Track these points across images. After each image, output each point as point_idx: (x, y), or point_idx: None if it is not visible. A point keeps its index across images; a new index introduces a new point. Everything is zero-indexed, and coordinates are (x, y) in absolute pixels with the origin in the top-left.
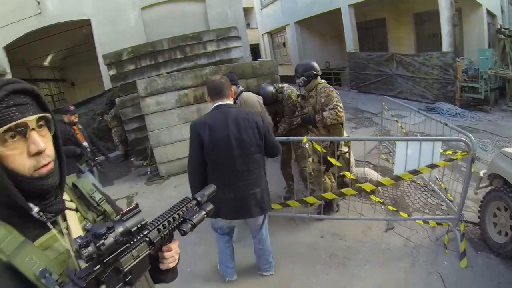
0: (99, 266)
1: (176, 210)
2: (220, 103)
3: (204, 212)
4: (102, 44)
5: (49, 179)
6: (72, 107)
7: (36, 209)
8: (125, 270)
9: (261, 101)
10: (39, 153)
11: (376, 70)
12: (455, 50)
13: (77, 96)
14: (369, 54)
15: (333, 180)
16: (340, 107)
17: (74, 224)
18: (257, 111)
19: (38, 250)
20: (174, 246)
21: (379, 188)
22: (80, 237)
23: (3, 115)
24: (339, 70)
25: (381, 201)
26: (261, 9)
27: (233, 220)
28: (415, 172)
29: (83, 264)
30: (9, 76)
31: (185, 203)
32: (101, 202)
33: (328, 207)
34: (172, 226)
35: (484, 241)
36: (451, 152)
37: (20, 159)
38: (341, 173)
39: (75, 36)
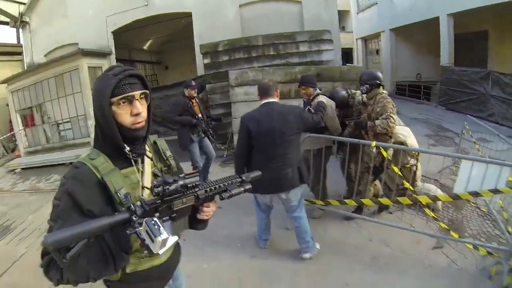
0: (160, 201)
1: (224, 181)
2: (266, 101)
3: (242, 189)
4: (200, 35)
5: (140, 131)
6: (193, 83)
7: (127, 148)
8: (174, 209)
9: (334, 106)
10: (137, 114)
11: (469, 87)
12: None
13: (169, 78)
14: (464, 70)
15: (379, 188)
16: (393, 118)
17: (147, 167)
18: (327, 113)
19: (121, 176)
20: (212, 205)
21: (440, 207)
22: (156, 180)
23: (121, 89)
24: (429, 84)
25: (436, 216)
26: (357, 13)
27: (267, 195)
28: (476, 194)
29: (146, 196)
30: (113, 55)
31: (232, 178)
32: (169, 157)
33: (359, 210)
34: (216, 191)
35: None
36: None
37: (125, 116)
38: (402, 185)
39: (175, 25)
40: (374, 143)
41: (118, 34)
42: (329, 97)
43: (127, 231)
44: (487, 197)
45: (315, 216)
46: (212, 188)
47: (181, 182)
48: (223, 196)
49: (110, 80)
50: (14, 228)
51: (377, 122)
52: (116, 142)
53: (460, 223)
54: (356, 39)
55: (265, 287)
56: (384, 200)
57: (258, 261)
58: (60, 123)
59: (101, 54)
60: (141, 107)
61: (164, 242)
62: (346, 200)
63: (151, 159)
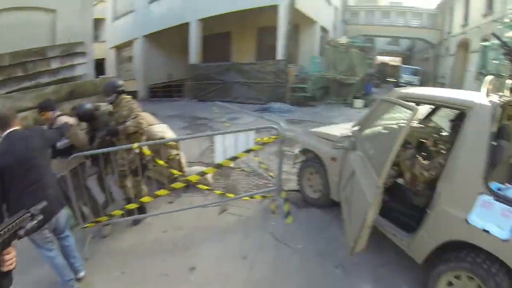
0: None
1: (12, 221)
2: (8, 131)
3: (35, 221)
4: None
5: None
6: None
7: None
8: None
9: (75, 122)
10: None
11: (216, 79)
12: (287, 58)
13: None
14: (210, 65)
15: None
16: (140, 116)
17: None
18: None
19: None
20: (12, 250)
21: (211, 180)
22: None
23: None
24: (181, 82)
25: (209, 188)
26: (113, 21)
27: (45, 226)
28: (234, 158)
29: None
30: None
31: (20, 215)
32: None
33: (142, 210)
34: (11, 232)
35: (305, 200)
36: (268, 138)
37: None
38: (173, 175)
39: None
40: (136, 145)
41: None
42: (77, 115)
43: None
44: (244, 157)
45: (106, 235)
46: (5, 229)
47: None
48: (19, 234)
49: None
50: None
51: (127, 123)
52: None
53: (232, 186)
54: (110, 48)
55: None
56: (161, 192)
57: None
58: None
59: None
60: None
61: None
62: (126, 206)
63: None
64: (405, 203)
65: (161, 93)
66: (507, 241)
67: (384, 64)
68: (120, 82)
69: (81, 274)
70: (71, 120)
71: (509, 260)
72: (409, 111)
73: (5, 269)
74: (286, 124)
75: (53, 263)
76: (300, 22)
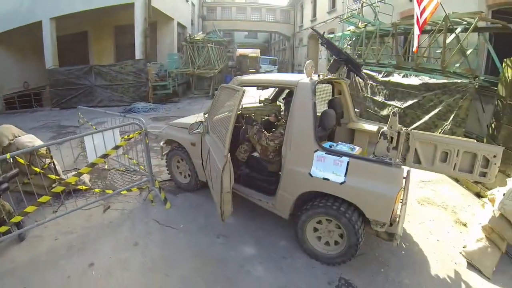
0: None
1: None
2: None
3: None
4: None
5: None
6: None
7: None
8: None
9: None
10: None
11: (77, 84)
12: (146, 57)
13: None
14: (68, 69)
15: (8, 206)
16: None
17: None
18: None
19: None
20: None
21: (88, 182)
22: None
23: None
24: (40, 90)
25: (87, 187)
26: None
27: None
28: (105, 156)
29: None
30: None
31: None
32: None
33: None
34: None
35: (178, 187)
36: (132, 135)
37: None
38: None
39: None
40: (8, 155)
41: None
42: None
43: None
44: (114, 155)
45: None
46: None
47: None
48: None
49: None
50: None
51: None
52: None
53: (110, 184)
54: None
55: None
56: (43, 198)
57: None
58: None
59: None
60: None
61: None
62: (11, 220)
63: None
64: (263, 171)
65: (18, 103)
66: (344, 184)
67: (244, 56)
68: None
69: None
70: None
71: (350, 198)
72: (237, 92)
73: None
74: (152, 122)
75: None
76: (157, 20)
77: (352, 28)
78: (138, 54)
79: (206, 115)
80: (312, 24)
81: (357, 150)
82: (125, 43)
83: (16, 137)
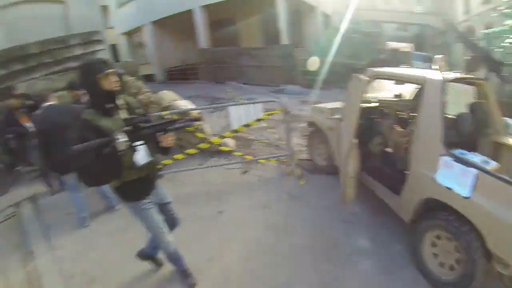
0: (131, 127)
1: (168, 121)
2: (46, 104)
3: (184, 123)
4: None
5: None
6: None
7: (110, 104)
8: (142, 134)
9: None
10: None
11: (229, 63)
12: (293, 42)
13: None
14: (221, 49)
15: None
16: (149, 91)
17: (122, 114)
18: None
19: (110, 120)
20: (170, 137)
21: (233, 146)
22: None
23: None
24: (193, 66)
25: (230, 149)
26: (118, 8)
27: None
28: (247, 125)
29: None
30: None
31: (177, 120)
32: (136, 109)
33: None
34: (164, 126)
35: (315, 168)
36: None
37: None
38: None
39: None
40: (166, 112)
41: None
42: None
43: (113, 146)
44: (254, 125)
45: None
46: (164, 123)
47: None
48: (169, 127)
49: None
50: None
51: (140, 96)
52: (102, 103)
53: (252, 152)
54: (120, 35)
55: None
56: (191, 150)
57: None
58: None
59: None
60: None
61: (141, 157)
62: (175, 157)
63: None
64: (392, 168)
65: (178, 76)
66: (468, 199)
67: (394, 50)
68: (120, 70)
69: (117, 207)
70: None
71: (473, 218)
72: (361, 81)
73: (163, 145)
74: (300, 104)
75: (76, 202)
76: (301, 8)
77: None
78: (285, 40)
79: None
80: (466, 17)
81: (492, 165)
82: (272, 29)
83: (174, 101)
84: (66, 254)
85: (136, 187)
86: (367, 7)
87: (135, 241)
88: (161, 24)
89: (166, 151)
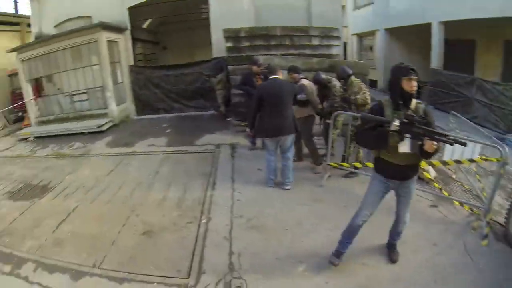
0: (407, 121)
1: (442, 133)
2: (273, 76)
3: (449, 141)
4: (215, 18)
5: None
6: (260, 61)
7: (401, 101)
8: (413, 131)
9: (314, 88)
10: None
11: (456, 90)
12: None
13: (168, 58)
14: (452, 74)
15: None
16: (368, 93)
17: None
18: (308, 91)
19: (394, 112)
20: (435, 145)
21: (433, 176)
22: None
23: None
24: (420, 84)
25: (429, 177)
26: (354, 9)
27: (275, 137)
28: (458, 162)
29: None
30: (128, 31)
31: (446, 135)
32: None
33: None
34: (434, 135)
35: (506, 236)
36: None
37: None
38: None
39: (175, 6)
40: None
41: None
42: (314, 79)
43: (387, 126)
44: (466, 165)
45: (328, 176)
46: (433, 131)
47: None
48: (436, 137)
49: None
50: (54, 187)
51: (358, 96)
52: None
53: (448, 189)
54: (352, 35)
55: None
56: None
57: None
58: (75, 94)
59: (118, 29)
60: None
61: (404, 146)
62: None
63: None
64: None
65: None
66: None
67: None
68: (350, 70)
69: (287, 187)
70: (307, 83)
71: None
72: None
73: (425, 148)
74: None
75: (269, 164)
76: None
77: None
78: None
79: None
80: None
81: None
82: None
83: None
84: (242, 198)
85: (385, 165)
86: None
87: (313, 214)
88: (394, 32)
89: (425, 154)
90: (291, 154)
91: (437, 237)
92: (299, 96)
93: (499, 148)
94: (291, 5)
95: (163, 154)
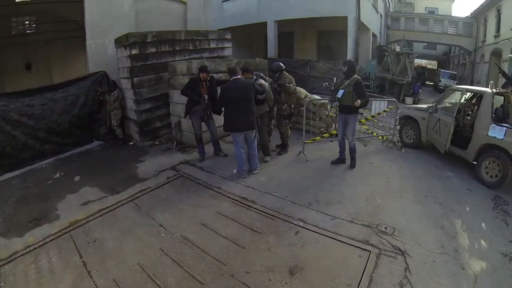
0: None
1: None
2: (234, 77)
3: None
4: (94, 24)
5: None
6: (208, 69)
7: None
8: None
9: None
10: None
11: (293, 72)
12: (356, 60)
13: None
14: (288, 60)
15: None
16: (294, 84)
17: None
18: (266, 90)
19: None
20: None
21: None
22: None
23: None
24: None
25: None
26: None
27: (242, 131)
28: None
29: None
30: None
31: None
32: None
33: (284, 147)
34: None
35: (403, 144)
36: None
37: None
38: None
39: None
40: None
41: None
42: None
43: None
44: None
45: (267, 161)
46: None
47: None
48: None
49: None
50: None
51: (290, 85)
52: None
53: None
54: None
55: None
56: (317, 138)
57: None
58: None
59: None
60: None
61: None
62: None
63: None
64: (462, 137)
65: None
66: (503, 139)
67: (422, 68)
68: (281, 64)
69: (255, 172)
70: (264, 83)
71: (506, 147)
72: (458, 92)
73: None
74: None
75: (240, 157)
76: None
77: None
78: (350, 56)
79: (435, 103)
80: (496, 40)
81: None
82: (326, 45)
83: (306, 96)
84: None
85: None
86: (405, 28)
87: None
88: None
89: None
90: (255, 144)
91: (376, 159)
92: (259, 96)
93: (395, 100)
94: (170, 11)
95: (126, 201)
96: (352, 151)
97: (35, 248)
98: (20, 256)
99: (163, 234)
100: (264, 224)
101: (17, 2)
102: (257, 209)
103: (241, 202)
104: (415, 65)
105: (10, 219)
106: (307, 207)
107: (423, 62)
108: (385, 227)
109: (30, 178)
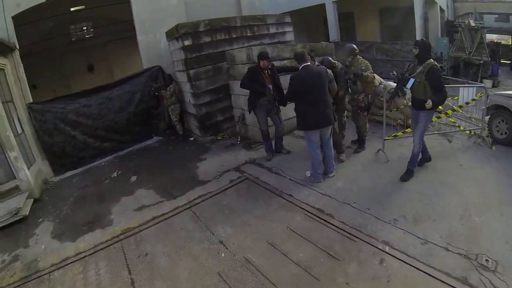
0: None
1: None
2: (304, 64)
3: None
4: (141, 19)
5: None
6: (269, 55)
7: None
8: None
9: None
10: None
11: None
12: (427, 38)
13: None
14: (353, 43)
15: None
16: (371, 71)
17: None
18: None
19: None
20: None
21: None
22: None
23: None
24: None
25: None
26: None
27: (319, 129)
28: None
29: None
30: (17, 53)
31: None
32: None
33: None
34: None
35: (494, 140)
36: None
37: None
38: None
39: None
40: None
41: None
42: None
43: None
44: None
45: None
46: None
47: None
48: None
49: None
50: None
51: (368, 73)
52: None
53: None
54: None
55: None
56: (399, 133)
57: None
58: None
59: (1, 49)
60: None
61: None
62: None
63: None
64: None
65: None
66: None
67: (495, 44)
68: (355, 47)
69: (331, 175)
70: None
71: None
72: None
73: None
74: None
75: (315, 159)
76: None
77: None
78: (419, 35)
79: None
80: None
81: None
82: (391, 24)
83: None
84: None
85: None
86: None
87: None
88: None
89: None
90: (331, 142)
91: (474, 158)
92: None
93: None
94: None
95: (184, 209)
96: (414, 158)
97: (85, 256)
98: (70, 263)
99: (223, 254)
100: (343, 247)
101: (72, 10)
102: (335, 226)
103: (316, 216)
104: (487, 41)
105: (66, 221)
106: (393, 224)
107: (494, 37)
108: (486, 259)
109: (89, 177)
